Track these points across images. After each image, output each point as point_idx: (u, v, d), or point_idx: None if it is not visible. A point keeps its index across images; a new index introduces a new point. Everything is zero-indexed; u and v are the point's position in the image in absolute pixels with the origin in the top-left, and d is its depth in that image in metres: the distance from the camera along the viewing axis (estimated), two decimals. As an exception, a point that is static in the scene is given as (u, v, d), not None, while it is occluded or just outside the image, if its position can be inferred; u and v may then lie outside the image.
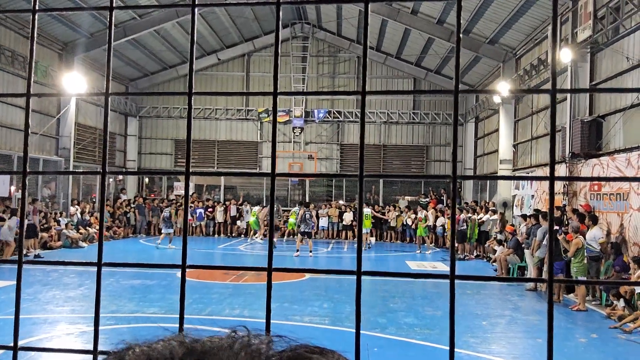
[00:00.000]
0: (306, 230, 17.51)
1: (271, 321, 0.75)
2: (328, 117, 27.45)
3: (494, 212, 19.08)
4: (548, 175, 0.69)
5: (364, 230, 20.51)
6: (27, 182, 0.75)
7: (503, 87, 18.62)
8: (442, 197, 25.33)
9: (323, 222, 23.90)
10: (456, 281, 0.77)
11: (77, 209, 20.27)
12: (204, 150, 27.81)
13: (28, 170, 0.72)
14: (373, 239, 22.48)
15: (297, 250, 17.49)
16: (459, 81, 0.80)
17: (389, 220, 24.16)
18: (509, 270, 14.41)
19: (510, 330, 9.09)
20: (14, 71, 18.53)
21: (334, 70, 28.19)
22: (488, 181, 23.66)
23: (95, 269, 0.80)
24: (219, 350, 0.51)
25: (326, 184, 28.00)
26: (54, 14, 18.75)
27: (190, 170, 0.76)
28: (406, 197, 26.51)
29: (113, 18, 0.71)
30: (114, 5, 0.72)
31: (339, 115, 27.38)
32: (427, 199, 24.86)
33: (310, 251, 17.52)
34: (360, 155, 0.64)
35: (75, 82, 19.28)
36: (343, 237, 24.36)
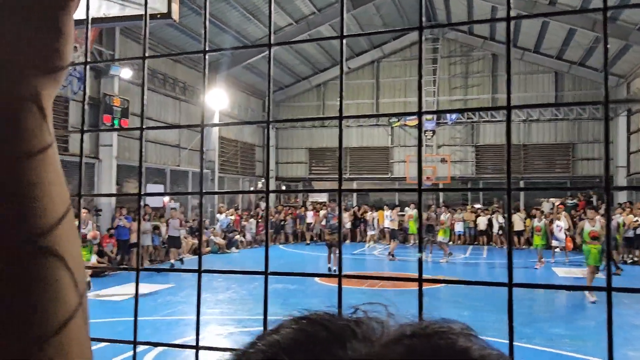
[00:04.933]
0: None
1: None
2: (461, 118, 26.65)
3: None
4: None
5: (440, 239, 17.76)
6: (202, 200, 0.86)
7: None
8: (591, 199, 23.48)
9: (458, 226, 23.13)
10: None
11: (225, 217, 21.61)
12: (336, 157, 28.37)
13: (203, 190, 0.82)
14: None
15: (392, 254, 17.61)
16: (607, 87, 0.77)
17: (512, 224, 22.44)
18: (674, 277, 12.98)
19: (677, 344, 8.18)
20: (165, 92, 20.37)
21: (467, 70, 27.38)
22: (644, 179, 21.52)
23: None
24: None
25: (461, 187, 27.20)
26: (197, 37, 20.29)
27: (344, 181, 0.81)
28: (551, 199, 24.86)
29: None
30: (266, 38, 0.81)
31: (472, 116, 26.48)
32: (575, 201, 23.21)
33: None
34: (508, 169, 0.65)
35: (218, 98, 20.81)
36: (481, 242, 23.39)
